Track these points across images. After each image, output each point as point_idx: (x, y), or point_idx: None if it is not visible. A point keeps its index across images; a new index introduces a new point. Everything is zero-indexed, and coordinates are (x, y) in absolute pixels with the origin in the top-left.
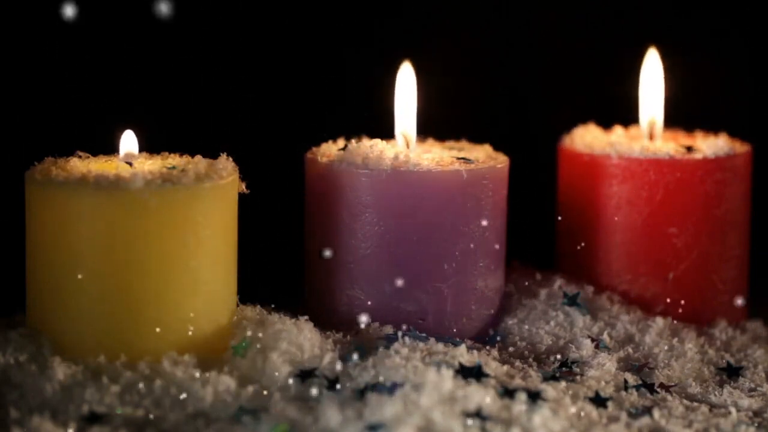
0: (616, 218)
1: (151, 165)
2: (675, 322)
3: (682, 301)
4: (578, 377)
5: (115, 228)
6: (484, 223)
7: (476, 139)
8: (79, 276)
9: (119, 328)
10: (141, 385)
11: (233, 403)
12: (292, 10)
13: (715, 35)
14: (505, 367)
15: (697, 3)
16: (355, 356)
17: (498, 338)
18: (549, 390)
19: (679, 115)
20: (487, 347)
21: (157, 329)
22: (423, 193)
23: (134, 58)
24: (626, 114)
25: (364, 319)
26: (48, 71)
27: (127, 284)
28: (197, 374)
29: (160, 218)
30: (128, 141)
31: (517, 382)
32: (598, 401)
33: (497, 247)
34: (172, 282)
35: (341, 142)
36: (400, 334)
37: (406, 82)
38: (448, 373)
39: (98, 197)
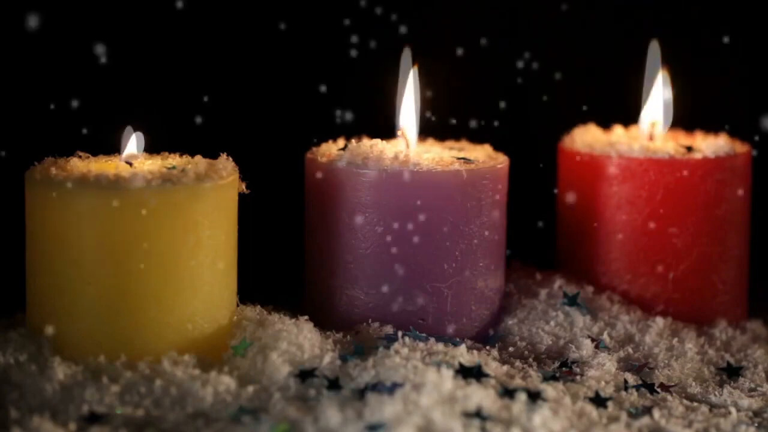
0: (616, 218)
1: (151, 165)
2: (675, 322)
3: (682, 301)
4: (578, 377)
5: (115, 228)
6: (484, 223)
7: (476, 139)
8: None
9: (119, 328)
10: (141, 386)
11: (233, 403)
12: (292, 9)
13: (715, 35)
14: (505, 367)
15: (698, 3)
16: (353, 357)
17: (498, 338)
18: (549, 390)
19: (679, 115)
20: (487, 347)
21: (157, 329)
22: (423, 193)
23: (134, 58)
24: (626, 114)
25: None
26: (48, 71)
27: (127, 284)
28: (197, 374)
29: (160, 218)
30: (133, 140)
31: (517, 382)
32: (598, 401)
33: (497, 247)
34: (172, 282)
35: (341, 142)
36: (400, 334)
37: (408, 81)
38: (448, 373)
39: (98, 197)
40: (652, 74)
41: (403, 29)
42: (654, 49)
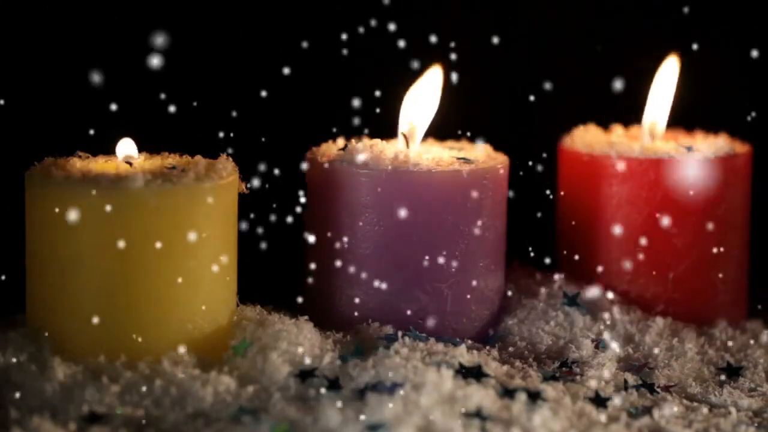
0: (616, 218)
1: (151, 165)
2: (675, 322)
3: (682, 301)
4: (578, 377)
5: (115, 228)
6: (484, 223)
7: (476, 139)
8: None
9: (119, 328)
10: (141, 386)
11: (233, 403)
12: (293, 9)
13: (715, 35)
14: (505, 367)
15: (697, 3)
16: (354, 357)
17: (498, 338)
18: (549, 390)
19: (679, 115)
20: (487, 347)
21: (157, 329)
22: (423, 193)
23: (135, 58)
24: (626, 114)
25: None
26: (48, 71)
27: (127, 284)
28: (197, 374)
29: (160, 218)
30: (126, 147)
31: (517, 382)
32: (598, 401)
33: (497, 247)
34: (172, 282)
35: (341, 142)
36: (400, 334)
37: (430, 86)
38: (448, 373)
39: (98, 197)
40: (663, 84)
41: (404, 29)
42: (671, 63)
